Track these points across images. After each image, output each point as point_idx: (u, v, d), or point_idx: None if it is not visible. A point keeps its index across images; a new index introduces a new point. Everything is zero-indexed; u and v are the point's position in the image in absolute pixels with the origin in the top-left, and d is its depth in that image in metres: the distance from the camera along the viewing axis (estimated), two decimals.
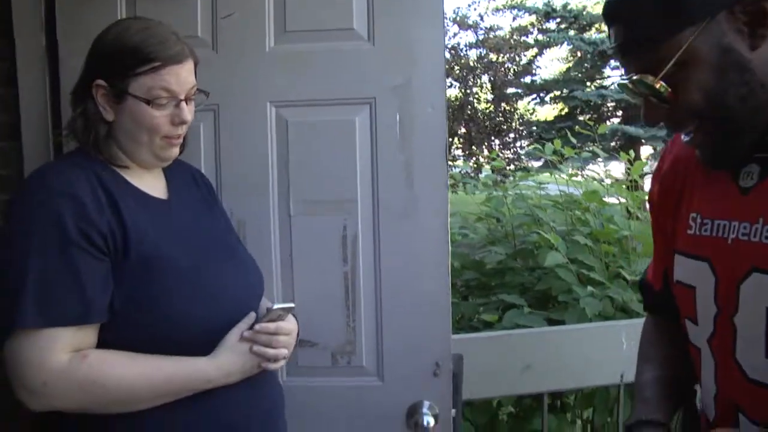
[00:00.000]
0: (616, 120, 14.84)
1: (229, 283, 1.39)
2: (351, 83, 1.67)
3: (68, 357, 1.20)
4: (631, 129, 13.38)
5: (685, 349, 1.25)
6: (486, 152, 15.30)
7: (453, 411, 1.72)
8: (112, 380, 1.22)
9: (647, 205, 1.37)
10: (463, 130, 15.50)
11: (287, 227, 1.68)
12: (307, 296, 1.65)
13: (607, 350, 2.12)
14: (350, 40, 1.68)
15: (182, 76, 1.32)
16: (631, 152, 3.32)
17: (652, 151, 14.04)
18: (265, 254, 1.63)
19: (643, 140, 13.77)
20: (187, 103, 1.34)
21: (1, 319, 1.20)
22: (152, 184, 1.40)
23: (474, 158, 14.63)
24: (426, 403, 1.69)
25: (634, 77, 1.02)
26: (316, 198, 1.67)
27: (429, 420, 1.67)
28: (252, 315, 1.38)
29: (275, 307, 1.37)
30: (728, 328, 1.03)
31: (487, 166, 13.41)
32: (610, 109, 15.46)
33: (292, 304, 1.40)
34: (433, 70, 1.68)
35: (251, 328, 1.35)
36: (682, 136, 1.10)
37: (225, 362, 1.31)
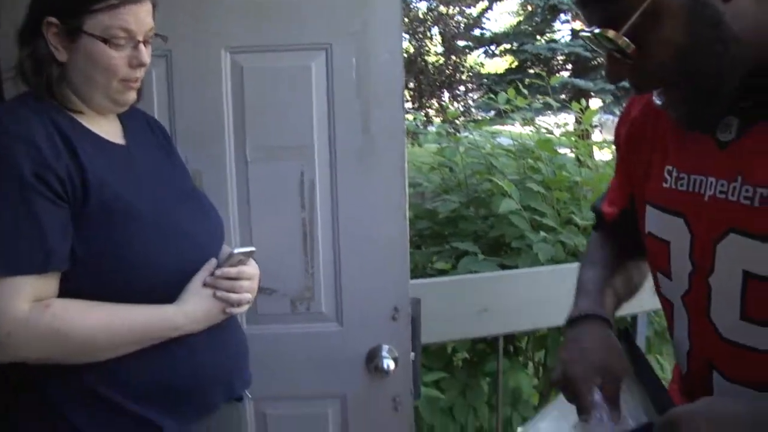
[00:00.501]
0: (566, 73, 14.91)
1: (191, 228, 1.37)
2: (307, 29, 1.66)
3: (30, 306, 1.17)
4: (580, 82, 13.49)
5: (629, 266, 1.31)
6: (436, 105, 15.30)
7: (412, 354, 1.75)
8: (76, 329, 1.20)
9: (612, 149, 1.35)
10: (413, 83, 15.43)
11: (244, 174, 1.67)
12: (266, 243, 1.64)
13: (560, 293, 2.16)
14: None
15: (140, 16, 1.26)
16: (583, 101, 3.34)
17: (601, 104, 14.21)
18: (222, 202, 1.62)
19: (592, 93, 13.92)
20: (144, 46, 1.29)
21: None
22: (108, 130, 1.35)
23: (424, 111, 14.61)
24: (385, 347, 1.72)
25: (596, 30, 0.92)
26: (273, 144, 1.66)
27: (389, 363, 1.71)
28: (213, 261, 1.36)
29: (236, 251, 1.36)
30: (703, 287, 1.01)
31: (438, 119, 13.42)
32: (560, 62, 15.53)
33: (252, 248, 1.39)
34: (389, 16, 1.67)
35: (213, 273, 1.34)
36: (654, 97, 1.03)
37: (191, 309, 1.30)
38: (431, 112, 14.86)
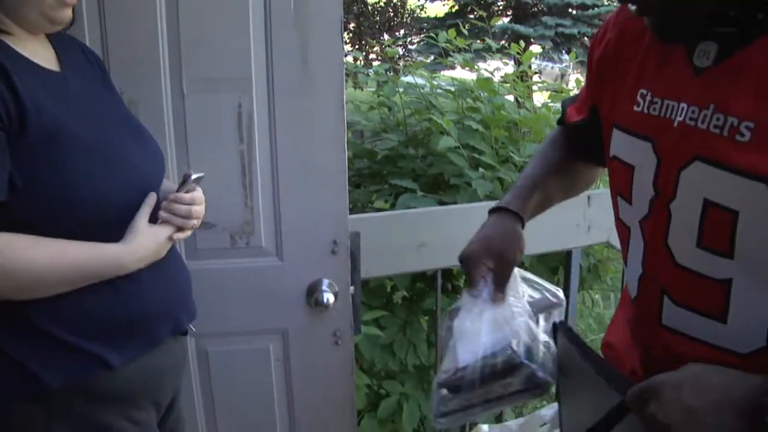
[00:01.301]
0: (506, 19, 14.91)
1: (134, 157, 1.33)
2: None
3: None
4: (520, 28, 13.54)
5: (577, 169, 1.37)
6: (376, 48, 15.16)
7: (351, 288, 1.77)
8: (19, 266, 1.15)
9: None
10: (353, 25, 15.26)
11: (181, 106, 1.63)
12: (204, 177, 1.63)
13: None
14: None
15: None
16: (516, 45, 3.35)
17: (540, 50, 14.29)
18: (158, 134, 1.57)
19: (532, 39, 13.97)
20: None
21: None
22: (42, 55, 1.27)
23: (364, 53, 14.47)
24: (325, 281, 1.73)
25: None
26: (210, 76, 1.62)
27: (329, 297, 1.72)
28: (153, 195, 1.33)
29: (194, 176, 1.35)
30: (663, 214, 1.02)
31: (377, 63, 13.32)
32: (501, 8, 15.50)
33: (202, 174, 1.37)
34: None
35: (158, 206, 1.33)
36: (629, 7, 1.02)
37: (138, 247, 1.28)
38: (371, 55, 14.72)
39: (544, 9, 14.26)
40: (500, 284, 1.24)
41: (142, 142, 1.40)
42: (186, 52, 1.61)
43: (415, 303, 2.67)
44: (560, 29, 13.58)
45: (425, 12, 16.77)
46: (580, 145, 1.37)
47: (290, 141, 1.66)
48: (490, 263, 1.24)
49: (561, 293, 1.35)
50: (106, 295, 1.27)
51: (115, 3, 1.59)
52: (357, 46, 14.96)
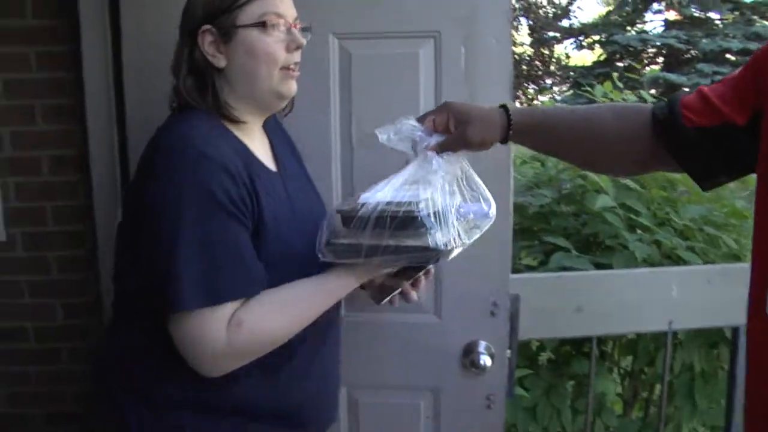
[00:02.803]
0: (656, 67, 14.44)
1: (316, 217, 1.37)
2: (416, 16, 1.64)
3: (226, 330, 1.19)
4: (673, 76, 13.04)
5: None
6: (522, 97, 15.12)
7: (508, 351, 1.72)
8: (272, 336, 1.25)
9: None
10: None
11: (349, 160, 1.67)
12: None
13: (657, 296, 2.11)
14: None
15: (286, 2, 1.31)
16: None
17: None
18: (327, 188, 1.63)
19: (685, 88, 13.43)
20: None
21: (162, 298, 1.18)
22: (262, 150, 1.37)
23: None
24: (482, 343, 1.70)
25: None
26: None
27: (485, 360, 1.68)
28: None
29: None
30: None
31: None
32: (651, 55, 15.05)
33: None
34: (498, 2, 1.64)
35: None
36: None
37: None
38: (518, 104, 14.68)
39: (699, 55, 13.69)
40: (445, 148, 1.28)
41: (320, 205, 1.48)
42: (357, 109, 1.66)
43: (562, 366, 2.57)
44: (717, 77, 12.94)
45: (572, 60, 16.58)
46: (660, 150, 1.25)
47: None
48: (452, 125, 1.29)
49: (494, 209, 1.31)
50: (274, 387, 1.32)
51: None
52: None
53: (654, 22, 15.29)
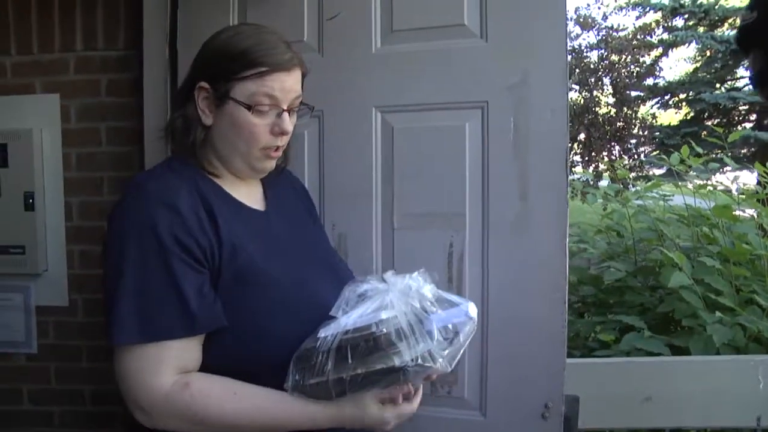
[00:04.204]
0: (748, 125, 13.92)
1: (324, 296, 1.28)
2: (461, 85, 1.57)
3: (172, 381, 1.14)
4: (765, 135, 12.54)
5: None
6: (606, 158, 14.83)
7: None
8: (213, 416, 1.16)
9: None
10: (582, 135, 15.07)
11: (390, 241, 1.59)
12: None
13: (740, 387, 1.92)
14: (461, 38, 1.58)
15: (287, 84, 1.26)
16: (761, 165, 3.03)
17: None
18: (366, 269, 1.55)
19: None
20: (290, 114, 1.28)
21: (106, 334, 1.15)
22: (248, 194, 1.34)
23: (593, 165, 14.16)
24: None
25: None
26: (422, 211, 1.57)
27: None
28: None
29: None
30: None
31: (607, 174, 12.90)
32: (742, 113, 14.54)
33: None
34: (554, 67, 1.53)
35: None
36: None
37: (346, 418, 1.20)
38: (601, 166, 14.38)
39: None
40: None
41: (337, 280, 1.35)
42: (399, 185, 1.59)
43: None
44: None
45: (658, 120, 16.19)
46: None
47: (504, 285, 1.54)
48: None
49: (473, 309, 1.18)
50: None
51: (334, 135, 1.63)
52: (586, 159, 14.71)
53: (744, 79, 14.79)
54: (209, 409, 1.15)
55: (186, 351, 1.16)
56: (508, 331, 1.54)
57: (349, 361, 1.12)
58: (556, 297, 1.51)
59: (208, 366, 1.19)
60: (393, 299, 1.15)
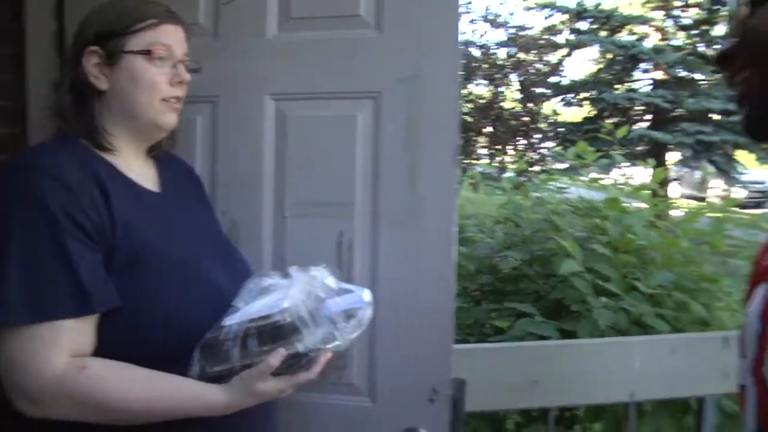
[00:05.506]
0: (644, 124, 14.52)
1: (219, 279, 1.29)
2: (356, 75, 1.58)
3: (66, 363, 1.10)
4: (658, 134, 13.11)
5: None
6: (512, 152, 15.15)
7: None
8: (112, 401, 1.13)
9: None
10: (489, 129, 15.35)
11: (281, 229, 1.59)
12: None
13: (619, 366, 2.02)
14: (357, 28, 1.59)
15: (179, 36, 1.30)
16: (651, 160, 3.20)
17: (680, 158, 13.78)
18: (256, 256, 1.54)
19: (670, 146, 13.50)
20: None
21: None
22: (143, 174, 1.32)
23: (499, 158, 14.46)
24: (421, 430, 1.57)
25: None
26: (313, 199, 1.58)
27: None
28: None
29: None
30: (765, 343, 0.88)
31: (512, 167, 13.19)
32: (639, 112, 15.15)
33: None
34: (446, 61, 1.56)
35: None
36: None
37: (236, 402, 1.19)
38: (506, 159, 14.70)
39: (685, 114, 13.81)
40: None
41: (230, 265, 1.36)
42: (291, 174, 1.59)
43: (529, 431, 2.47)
44: (700, 136, 13.05)
45: (562, 117, 16.66)
46: None
47: (392, 274, 1.56)
48: None
49: (368, 294, 1.24)
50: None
51: (228, 122, 1.61)
52: (492, 151, 15.01)
53: (642, 81, 15.43)
54: (108, 393, 1.13)
55: (80, 332, 1.12)
56: (397, 318, 1.55)
57: (255, 348, 1.14)
58: (444, 285, 1.55)
59: (101, 352, 1.15)
60: (295, 289, 1.17)
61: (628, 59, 14.75)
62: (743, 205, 8.48)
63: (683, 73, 14.41)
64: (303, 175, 1.58)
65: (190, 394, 1.17)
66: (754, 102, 0.92)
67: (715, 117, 13.29)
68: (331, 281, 1.23)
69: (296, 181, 1.58)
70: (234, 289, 1.28)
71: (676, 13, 15.50)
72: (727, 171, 13.82)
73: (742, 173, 14.54)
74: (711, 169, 13.63)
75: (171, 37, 1.28)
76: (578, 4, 15.53)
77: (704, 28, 14.51)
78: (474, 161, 13.39)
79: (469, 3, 15.90)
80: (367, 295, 1.25)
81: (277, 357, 1.15)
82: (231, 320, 1.17)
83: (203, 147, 1.62)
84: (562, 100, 16.26)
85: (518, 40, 16.85)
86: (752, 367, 0.91)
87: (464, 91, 11.91)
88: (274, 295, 1.19)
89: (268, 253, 1.59)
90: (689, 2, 15.01)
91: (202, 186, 1.50)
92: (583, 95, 15.54)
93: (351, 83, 1.58)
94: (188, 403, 1.17)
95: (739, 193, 13.45)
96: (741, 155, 14.50)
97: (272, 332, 1.15)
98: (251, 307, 1.18)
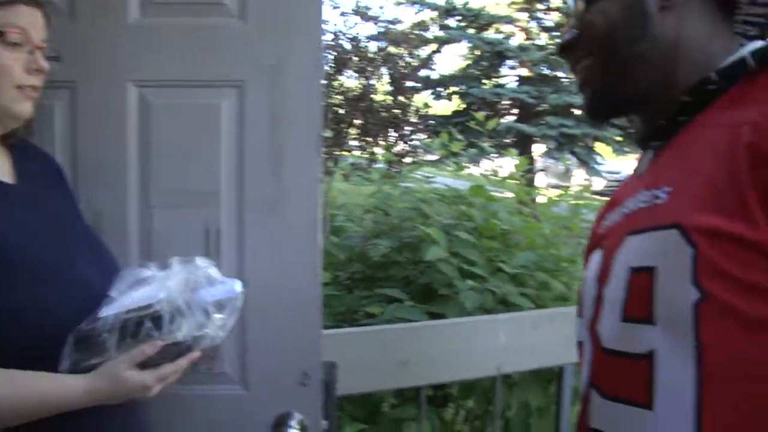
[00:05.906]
0: (512, 118, 15.09)
1: (86, 273, 1.26)
2: (220, 64, 1.56)
3: None
4: (524, 127, 13.70)
5: None
6: (383, 143, 15.31)
7: (325, 422, 1.63)
8: None
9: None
10: (359, 121, 15.43)
11: (147, 219, 1.56)
12: None
13: (485, 343, 2.13)
14: (220, 16, 1.57)
15: (36, 20, 1.21)
16: (515, 150, 3.37)
17: (545, 149, 14.41)
18: (123, 248, 1.50)
19: (535, 138, 14.13)
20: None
21: None
22: None
23: (369, 150, 14.57)
24: (295, 415, 1.60)
25: None
26: (178, 188, 1.56)
27: None
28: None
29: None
30: (599, 303, 0.98)
31: (382, 158, 13.36)
32: (506, 107, 15.73)
33: None
34: (309, 52, 1.57)
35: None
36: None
37: (101, 393, 1.16)
38: (377, 151, 14.84)
39: (549, 109, 14.49)
40: None
41: (97, 258, 1.33)
42: (155, 164, 1.55)
43: (404, 412, 2.54)
44: (563, 129, 13.73)
45: (432, 110, 17.01)
46: None
47: (260, 263, 1.56)
48: None
49: (239, 285, 1.28)
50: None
51: (88, 109, 1.56)
52: (363, 143, 15.10)
53: (509, 78, 16.04)
54: None
55: None
56: (265, 306, 1.56)
57: (131, 338, 1.13)
58: (310, 271, 1.57)
59: None
60: (173, 281, 1.18)
61: (495, 56, 15.29)
62: (602, 193, 8.95)
63: (546, 71, 15.14)
64: (168, 165, 1.56)
65: (51, 385, 1.14)
66: (595, 86, 1.02)
67: (577, 112, 13.99)
68: (214, 272, 1.25)
69: (161, 170, 1.56)
70: (104, 281, 1.26)
71: (539, 15, 16.25)
72: (588, 162, 14.60)
73: (601, 164, 15.38)
74: (573, 160, 14.35)
75: (27, 20, 1.19)
76: (447, 2, 15.93)
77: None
78: (346, 152, 13.43)
79: None
80: (237, 285, 1.27)
81: (152, 347, 1.15)
82: (107, 311, 1.16)
83: (63, 135, 1.55)
84: (433, 93, 16.61)
85: (389, 34, 17.05)
86: (589, 325, 1.01)
87: (335, 83, 11.91)
88: (151, 287, 1.19)
89: (134, 244, 1.55)
90: (551, 6, 15.79)
91: (63, 175, 1.44)
92: (452, 89, 15.93)
93: (215, 72, 1.57)
94: (51, 395, 1.14)
95: (598, 183, 14.18)
96: (600, 147, 15.36)
97: (149, 322, 1.15)
98: (128, 298, 1.17)
